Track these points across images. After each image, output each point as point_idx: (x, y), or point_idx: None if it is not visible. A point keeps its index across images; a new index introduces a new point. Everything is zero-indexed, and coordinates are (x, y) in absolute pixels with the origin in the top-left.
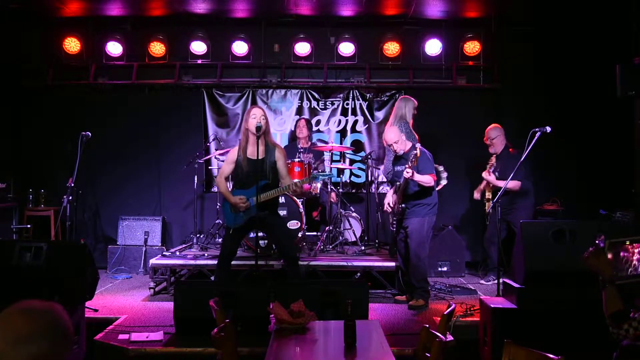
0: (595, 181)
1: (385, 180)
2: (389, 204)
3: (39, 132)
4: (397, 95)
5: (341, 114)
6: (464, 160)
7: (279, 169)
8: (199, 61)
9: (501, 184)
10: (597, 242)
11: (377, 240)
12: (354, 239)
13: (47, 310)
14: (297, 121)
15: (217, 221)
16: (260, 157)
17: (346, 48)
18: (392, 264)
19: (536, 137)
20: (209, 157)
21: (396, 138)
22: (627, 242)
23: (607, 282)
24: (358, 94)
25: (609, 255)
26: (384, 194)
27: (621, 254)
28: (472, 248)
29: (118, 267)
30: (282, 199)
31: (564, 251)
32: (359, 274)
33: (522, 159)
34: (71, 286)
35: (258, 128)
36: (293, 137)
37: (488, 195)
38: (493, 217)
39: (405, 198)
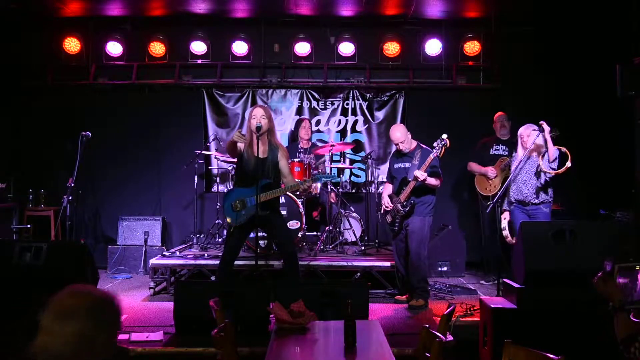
0: (595, 181)
1: (385, 180)
2: (388, 202)
3: (39, 132)
4: (397, 95)
5: (341, 114)
6: (463, 160)
7: (281, 168)
8: (199, 61)
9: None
10: (605, 266)
11: (377, 240)
12: (354, 239)
13: (94, 292)
14: (301, 121)
15: (217, 221)
16: (262, 156)
17: (346, 48)
18: (391, 264)
19: (535, 137)
20: (209, 155)
21: (402, 138)
22: (637, 267)
23: (617, 308)
24: (358, 94)
25: (618, 280)
26: None
27: (630, 278)
28: (472, 248)
29: (118, 267)
30: (282, 199)
31: (564, 251)
32: (359, 274)
33: (521, 158)
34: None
35: (258, 128)
36: (293, 137)
37: (494, 185)
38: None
39: (412, 194)
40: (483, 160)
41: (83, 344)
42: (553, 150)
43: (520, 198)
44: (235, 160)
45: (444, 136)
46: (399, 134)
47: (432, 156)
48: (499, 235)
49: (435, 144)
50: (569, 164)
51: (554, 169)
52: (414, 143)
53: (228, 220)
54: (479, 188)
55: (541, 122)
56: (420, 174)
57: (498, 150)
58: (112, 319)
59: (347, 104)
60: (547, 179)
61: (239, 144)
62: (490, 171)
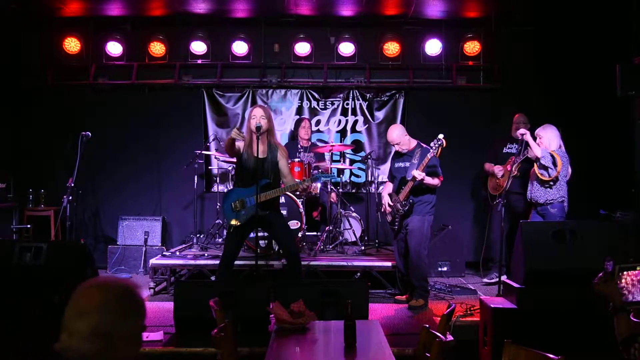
0: (595, 181)
1: (385, 180)
2: (388, 202)
3: (39, 132)
4: (397, 95)
5: (341, 114)
6: (463, 160)
7: (280, 168)
8: (199, 61)
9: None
10: (605, 267)
11: (377, 240)
12: (354, 239)
13: (111, 285)
14: (300, 121)
15: (217, 221)
16: (261, 156)
17: (346, 48)
18: (392, 263)
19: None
20: (209, 155)
21: (398, 140)
22: (638, 267)
23: (617, 309)
24: (358, 94)
25: (619, 281)
26: None
27: (631, 279)
28: (472, 248)
29: (118, 267)
30: (282, 199)
31: (564, 251)
32: (359, 274)
33: (521, 158)
34: (71, 286)
35: (258, 128)
36: (293, 136)
37: (500, 184)
38: (497, 215)
39: (412, 193)
40: (497, 160)
41: (103, 340)
42: (538, 151)
43: (529, 198)
44: (235, 160)
45: (441, 136)
46: (395, 135)
47: (429, 156)
48: (503, 235)
49: (432, 144)
50: (554, 173)
51: (546, 170)
52: (414, 142)
53: (233, 222)
54: (489, 187)
55: (519, 131)
56: (418, 174)
57: (511, 149)
58: (131, 311)
59: (347, 104)
60: (546, 176)
61: (237, 143)
62: (497, 169)
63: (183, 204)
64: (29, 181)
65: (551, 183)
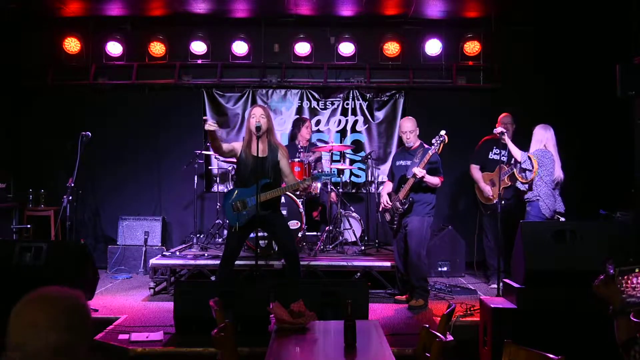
0: (595, 181)
1: (385, 179)
2: (387, 201)
3: (39, 132)
4: (397, 95)
5: (341, 114)
6: (463, 160)
7: (282, 168)
8: (199, 61)
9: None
10: (607, 269)
11: (377, 240)
12: (354, 239)
13: (65, 298)
14: (304, 120)
15: (217, 221)
16: (261, 156)
17: (346, 48)
18: (392, 263)
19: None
20: (209, 155)
21: (412, 128)
22: (638, 270)
23: (618, 312)
24: (358, 94)
25: (619, 283)
26: None
27: (631, 281)
28: (472, 248)
29: (118, 267)
30: (282, 199)
31: (564, 251)
32: (359, 274)
33: (512, 168)
34: (71, 286)
35: (257, 128)
36: (293, 136)
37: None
38: (490, 221)
39: (411, 191)
40: (483, 163)
41: (61, 354)
42: (518, 155)
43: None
44: (235, 160)
45: (442, 132)
46: (409, 123)
47: (430, 152)
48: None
49: (433, 141)
50: (531, 175)
51: (524, 172)
52: (418, 142)
53: (228, 221)
54: (479, 196)
55: (496, 130)
56: (419, 171)
57: (497, 155)
58: (85, 321)
59: (347, 104)
60: (525, 178)
61: (233, 144)
62: (488, 191)
63: (183, 204)
64: (29, 181)
65: (526, 181)
